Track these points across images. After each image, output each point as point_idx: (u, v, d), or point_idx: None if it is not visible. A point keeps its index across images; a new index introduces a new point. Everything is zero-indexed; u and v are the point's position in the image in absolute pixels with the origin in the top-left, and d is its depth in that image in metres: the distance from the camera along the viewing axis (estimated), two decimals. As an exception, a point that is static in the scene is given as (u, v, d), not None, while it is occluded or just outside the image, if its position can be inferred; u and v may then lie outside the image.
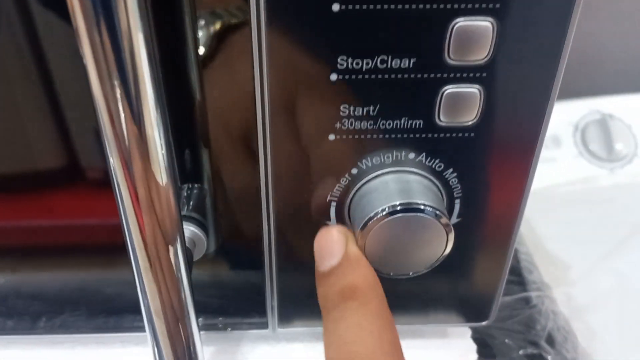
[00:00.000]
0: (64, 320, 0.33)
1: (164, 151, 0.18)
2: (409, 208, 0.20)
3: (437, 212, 0.20)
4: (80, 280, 0.33)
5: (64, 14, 0.17)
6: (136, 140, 0.16)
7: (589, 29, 0.75)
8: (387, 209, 0.20)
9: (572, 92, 0.74)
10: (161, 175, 0.18)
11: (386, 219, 0.20)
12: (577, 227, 0.61)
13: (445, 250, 0.21)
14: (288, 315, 0.26)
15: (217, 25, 0.20)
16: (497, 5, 0.18)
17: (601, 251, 0.57)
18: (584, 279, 0.51)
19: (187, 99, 0.23)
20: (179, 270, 0.19)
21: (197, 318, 0.22)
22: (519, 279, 0.36)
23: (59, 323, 0.33)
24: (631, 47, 0.78)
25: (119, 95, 0.16)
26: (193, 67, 0.22)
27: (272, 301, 0.26)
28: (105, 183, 0.26)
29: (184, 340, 0.20)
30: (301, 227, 0.23)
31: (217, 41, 0.21)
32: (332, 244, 0.20)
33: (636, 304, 0.51)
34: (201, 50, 0.20)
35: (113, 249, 0.30)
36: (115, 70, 0.16)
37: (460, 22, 0.18)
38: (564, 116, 0.72)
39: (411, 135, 0.20)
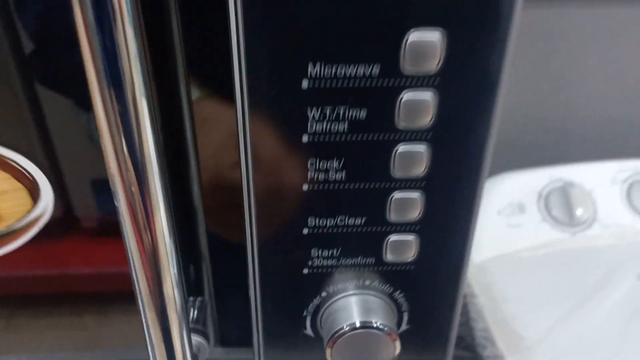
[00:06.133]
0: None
1: (175, 270, 0.24)
2: (364, 326, 0.26)
3: (386, 328, 0.27)
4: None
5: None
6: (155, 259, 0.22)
7: (551, 101, 0.83)
8: (349, 325, 0.27)
9: (536, 161, 0.80)
10: (174, 291, 0.24)
11: (348, 333, 0.27)
12: (538, 290, 0.67)
13: (394, 354, 0.28)
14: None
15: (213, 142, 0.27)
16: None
17: (560, 313, 0.63)
18: (541, 342, 0.56)
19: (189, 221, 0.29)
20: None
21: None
22: (473, 355, 0.42)
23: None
24: (591, 117, 0.85)
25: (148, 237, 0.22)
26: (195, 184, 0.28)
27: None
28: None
29: None
30: (285, 333, 0.29)
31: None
32: None
33: (591, 364, 0.56)
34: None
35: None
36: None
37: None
38: (529, 184, 0.77)
39: (366, 269, 0.27)
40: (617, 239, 0.75)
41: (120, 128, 0.19)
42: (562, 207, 0.76)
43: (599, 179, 0.77)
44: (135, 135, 0.20)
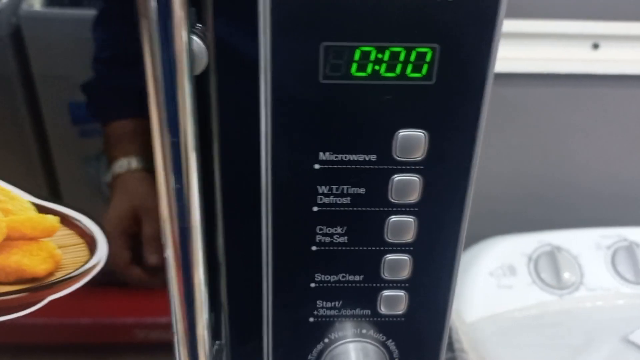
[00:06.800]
0: None
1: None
2: (361, 369, 0.31)
3: (379, 372, 0.31)
4: None
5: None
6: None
7: (541, 172, 0.88)
8: (347, 368, 0.31)
9: (527, 226, 0.84)
10: (204, 333, 0.29)
11: (346, 375, 0.31)
12: (527, 349, 0.70)
13: (386, 395, 0.32)
14: None
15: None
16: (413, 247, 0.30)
17: (547, 373, 0.66)
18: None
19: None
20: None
21: None
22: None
23: None
24: (577, 187, 0.90)
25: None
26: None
27: None
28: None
29: None
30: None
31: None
32: None
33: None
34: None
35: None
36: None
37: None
38: (519, 248, 0.80)
39: (363, 319, 0.32)
40: (602, 302, 0.78)
41: (173, 191, 0.25)
42: (550, 270, 0.78)
43: (585, 245, 0.80)
44: (186, 194, 0.25)
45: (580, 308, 0.77)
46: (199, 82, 0.26)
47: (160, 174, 0.24)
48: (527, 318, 0.75)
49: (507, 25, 0.83)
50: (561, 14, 0.77)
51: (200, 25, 0.27)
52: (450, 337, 0.55)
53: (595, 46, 0.80)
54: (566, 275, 0.78)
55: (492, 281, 0.78)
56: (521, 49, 0.79)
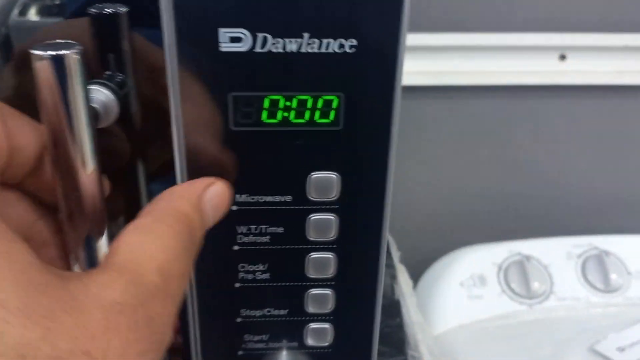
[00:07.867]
0: None
1: None
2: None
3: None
4: None
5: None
6: None
7: (510, 182, 0.89)
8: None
9: (496, 236, 0.85)
10: None
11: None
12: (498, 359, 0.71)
13: None
14: None
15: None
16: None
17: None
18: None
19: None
20: None
21: None
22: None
23: None
24: (547, 196, 0.91)
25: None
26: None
27: None
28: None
29: None
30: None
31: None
32: None
33: None
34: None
35: None
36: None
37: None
38: (489, 258, 0.81)
39: (291, 351, 0.33)
40: (571, 311, 0.78)
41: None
42: (520, 280, 0.79)
43: (555, 254, 0.81)
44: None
45: (550, 318, 0.77)
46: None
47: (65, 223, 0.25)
48: (497, 328, 0.76)
49: (474, 38, 0.84)
50: (528, 26, 0.78)
51: (121, 75, 0.28)
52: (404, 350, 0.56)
53: (562, 57, 0.81)
54: (535, 284, 0.79)
55: (463, 291, 0.78)
56: (489, 62, 0.80)
